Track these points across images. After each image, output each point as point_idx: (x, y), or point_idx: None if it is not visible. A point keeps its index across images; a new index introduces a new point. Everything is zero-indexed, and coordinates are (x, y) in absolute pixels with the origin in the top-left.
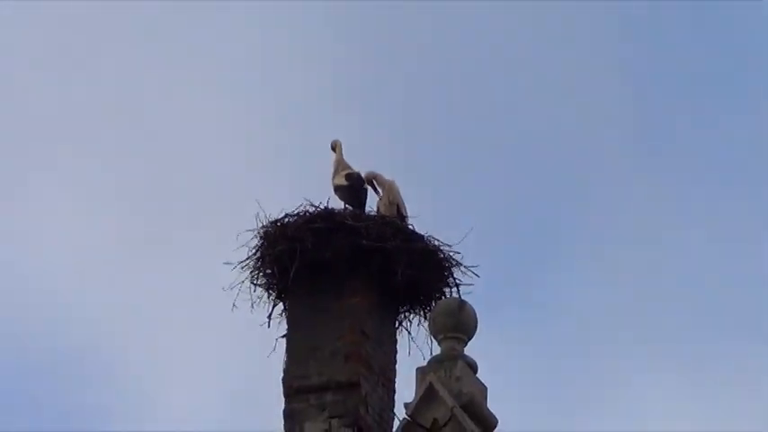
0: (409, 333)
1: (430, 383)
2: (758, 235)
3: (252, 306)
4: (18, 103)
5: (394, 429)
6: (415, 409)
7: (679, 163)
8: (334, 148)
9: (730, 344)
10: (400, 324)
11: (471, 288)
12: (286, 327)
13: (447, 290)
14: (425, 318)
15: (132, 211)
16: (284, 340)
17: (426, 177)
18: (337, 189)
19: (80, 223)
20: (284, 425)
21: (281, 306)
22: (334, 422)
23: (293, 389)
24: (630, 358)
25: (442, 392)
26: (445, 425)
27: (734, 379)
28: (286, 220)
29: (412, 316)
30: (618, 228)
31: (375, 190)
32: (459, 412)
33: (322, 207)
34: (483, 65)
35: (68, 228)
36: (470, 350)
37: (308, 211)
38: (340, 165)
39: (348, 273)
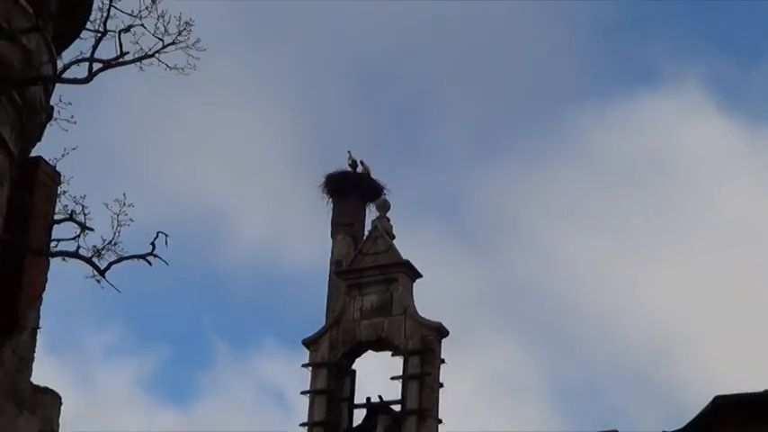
0: (369, 210)
1: (375, 224)
2: None
3: (321, 200)
4: None
5: (364, 238)
6: (370, 231)
7: None
8: (348, 153)
9: None
10: (367, 207)
11: (389, 195)
12: (332, 209)
13: (383, 195)
14: (375, 205)
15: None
16: (331, 214)
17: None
18: (348, 166)
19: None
20: (331, 235)
21: (331, 202)
22: (346, 236)
23: (335, 227)
24: None
25: (380, 227)
26: (380, 237)
27: None
28: (332, 174)
29: (371, 205)
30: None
31: (363, 166)
32: (385, 234)
33: (343, 170)
34: None
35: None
36: (389, 214)
37: (339, 171)
38: (349, 157)
39: (350, 192)
